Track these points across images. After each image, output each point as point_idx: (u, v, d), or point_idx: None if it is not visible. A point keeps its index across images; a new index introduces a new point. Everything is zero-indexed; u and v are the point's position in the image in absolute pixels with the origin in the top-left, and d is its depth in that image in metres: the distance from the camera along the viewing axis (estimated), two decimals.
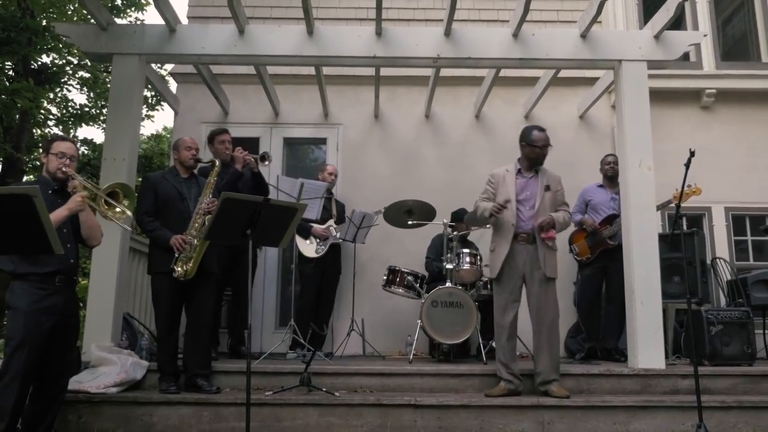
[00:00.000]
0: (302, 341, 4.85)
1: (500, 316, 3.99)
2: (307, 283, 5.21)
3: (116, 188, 3.27)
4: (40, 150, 3.48)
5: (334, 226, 5.36)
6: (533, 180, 4.11)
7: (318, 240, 5.26)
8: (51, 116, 11.80)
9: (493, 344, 5.05)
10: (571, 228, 5.16)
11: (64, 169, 3.17)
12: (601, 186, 5.21)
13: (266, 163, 4.77)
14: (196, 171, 4.22)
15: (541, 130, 4.14)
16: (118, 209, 3.23)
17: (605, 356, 4.90)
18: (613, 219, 4.95)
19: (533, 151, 4.08)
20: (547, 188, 4.06)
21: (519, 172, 4.16)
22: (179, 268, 3.84)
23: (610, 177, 5.16)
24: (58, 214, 2.99)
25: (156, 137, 16.07)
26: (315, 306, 5.33)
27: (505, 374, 3.92)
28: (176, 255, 3.84)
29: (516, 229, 3.98)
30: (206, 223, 3.55)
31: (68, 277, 3.20)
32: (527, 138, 4.11)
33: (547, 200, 4.04)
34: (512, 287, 3.98)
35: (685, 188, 4.71)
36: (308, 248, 5.23)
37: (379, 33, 4.70)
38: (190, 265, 3.85)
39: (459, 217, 5.37)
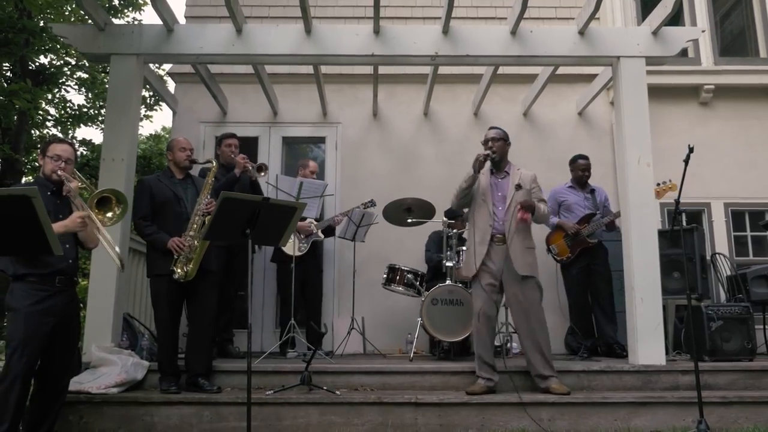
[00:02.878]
0: (303, 340, 4.85)
1: (477, 312, 3.98)
2: (283, 284, 5.13)
3: (106, 194, 3.18)
4: (38, 151, 3.46)
5: (315, 222, 5.31)
6: (505, 180, 4.12)
7: (301, 236, 5.19)
8: (49, 117, 11.79)
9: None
10: (547, 229, 5.18)
11: (59, 172, 3.17)
12: (571, 187, 5.22)
13: (262, 174, 4.90)
14: (197, 173, 4.22)
15: (491, 128, 4.22)
16: (108, 214, 3.16)
17: (606, 351, 4.90)
18: (590, 218, 4.99)
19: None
20: (518, 187, 4.05)
21: (492, 173, 4.16)
22: (179, 270, 3.84)
23: (583, 183, 5.18)
24: (55, 229, 2.90)
25: (155, 137, 16.07)
26: (299, 305, 5.20)
27: (484, 372, 3.91)
28: (175, 257, 3.84)
29: (492, 230, 3.99)
30: (206, 224, 3.54)
31: (68, 278, 3.19)
32: None
33: (518, 198, 4.02)
34: (489, 284, 3.95)
35: (661, 184, 4.77)
36: (289, 245, 5.12)
37: (377, 31, 4.69)
38: (191, 266, 3.86)
39: (453, 215, 5.35)
